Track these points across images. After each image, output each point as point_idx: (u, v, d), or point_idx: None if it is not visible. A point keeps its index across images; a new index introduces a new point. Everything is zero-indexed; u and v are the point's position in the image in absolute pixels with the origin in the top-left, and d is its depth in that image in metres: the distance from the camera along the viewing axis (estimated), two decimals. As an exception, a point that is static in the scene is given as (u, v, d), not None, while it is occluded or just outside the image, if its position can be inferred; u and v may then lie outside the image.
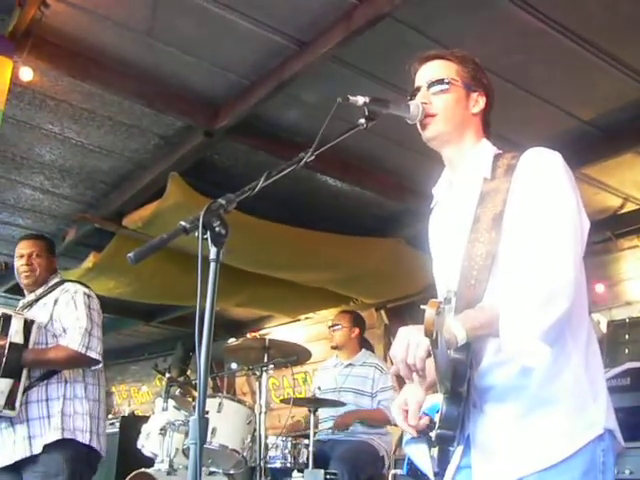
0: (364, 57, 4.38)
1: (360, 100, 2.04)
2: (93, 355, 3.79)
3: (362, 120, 2.04)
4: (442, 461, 1.98)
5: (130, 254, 1.84)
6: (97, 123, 5.30)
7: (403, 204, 6.12)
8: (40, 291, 4.04)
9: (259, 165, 5.54)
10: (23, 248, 4.09)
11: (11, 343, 3.59)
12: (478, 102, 2.18)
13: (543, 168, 1.99)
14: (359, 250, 6.75)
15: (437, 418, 1.91)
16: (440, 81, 2.13)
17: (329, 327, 5.92)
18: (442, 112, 2.12)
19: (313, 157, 2.04)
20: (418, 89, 2.17)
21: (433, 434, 1.92)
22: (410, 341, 1.78)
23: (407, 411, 2.03)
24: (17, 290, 4.38)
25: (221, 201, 1.92)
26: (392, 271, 6.97)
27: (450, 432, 1.90)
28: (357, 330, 5.83)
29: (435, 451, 2.01)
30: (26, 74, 4.35)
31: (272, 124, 5.19)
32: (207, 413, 1.80)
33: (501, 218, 1.96)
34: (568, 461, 1.85)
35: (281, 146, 5.26)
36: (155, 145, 5.57)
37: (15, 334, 3.62)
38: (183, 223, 1.86)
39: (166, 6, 4.12)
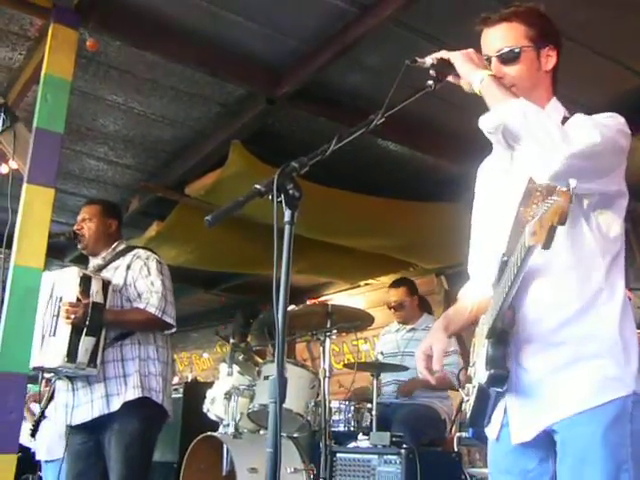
0: (428, 20, 4.33)
1: (428, 61, 2.03)
2: (168, 320, 3.88)
3: (430, 82, 2.03)
4: (478, 413, 2.09)
5: (207, 217, 1.86)
6: (159, 93, 5.35)
7: (463, 168, 6.04)
8: (107, 256, 4.12)
9: (320, 132, 5.54)
10: (79, 215, 4.22)
11: (93, 302, 3.67)
12: (550, 57, 2.14)
13: (602, 115, 2.01)
14: (419, 215, 6.72)
15: (483, 362, 1.99)
16: (510, 51, 2.08)
17: (390, 307, 5.90)
18: (517, 83, 2.08)
19: (383, 119, 2.02)
20: (488, 58, 2.12)
21: (485, 375, 1.97)
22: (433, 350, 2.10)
23: (430, 357, 2.14)
24: (82, 260, 4.47)
25: (294, 164, 1.92)
26: (451, 236, 6.85)
27: (502, 371, 1.95)
28: (417, 298, 5.85)
29: (469, 404, 2.11)
30: (91, 45, 4.41)
31: (334, 90, 5.17)
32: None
33: None
34: (597, 409, 1.91)
35: (343, 112, 5.24)
36: (217, 113, 5.60)
37: (96, 294, 3.70)
38: (258, 186, 1.88)
39: (228, -27, 4.13)
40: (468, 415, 2.13)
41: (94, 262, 4.17)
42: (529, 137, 1.87)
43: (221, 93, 5.32)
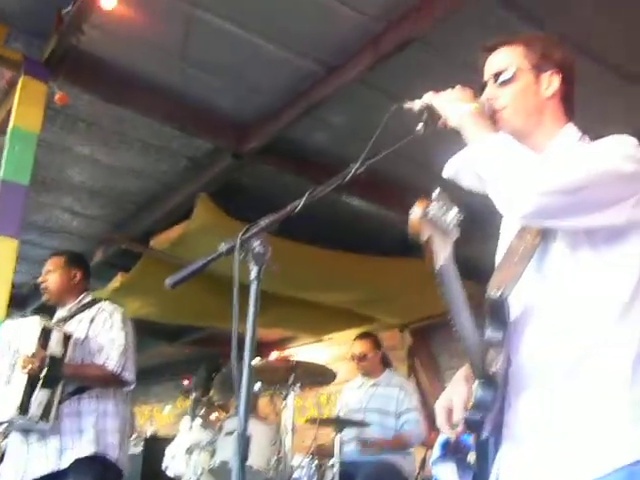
0: (392, 80, 4.43)
1: (417, 104, 1.92)
2: (127, 377, 3.82)
3: (419, 126, 1.91)
4: (481, 464, 1.87)
5: (168, 280, 1.84)
6: (127, 145, 5.40)
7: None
8: (73, 308, 4.07)
9: (286, 186, 5.59)
10: (44, 266, 4.18)
11: (52, 355, 3.61)
12: (551, 83, 1.98)
13: (608, 138, 1.81)
14: (383, 270, 6.77)
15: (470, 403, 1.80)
16: (504, 71, 1.98)
17: (354, 358, 5.89)
18: (510, 104, 1.96)
19: (363, 169, 1.91)
20: (485, 83, 2.02)
21: (463, 417, 1.83)
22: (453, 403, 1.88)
23: (451, 410, 1.92)
24: (44, 310, 4.45)
25: (261, 222, 1.89)
26: (415, 291, 6.97)
27: (477, 416, 1.77)
28: (380, 352, 5.85)
29: (473, 455, 1.90)
30: (60, 99, 4.44)
31: (300, 146, 5.27)
32: (232, 433, 1.82)
33: None
34: None
35: (308, 168, 5.33)
36: (184, 167, 5.66)
37: (55, 346, 3.65)
38: (222, 246, 1.84)
39: (198, 31, 4.21)
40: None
41: (60, 313, 4.12)
42: (499, 177, 1.75)
43: (189, 147, 5.39)
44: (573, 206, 1.70)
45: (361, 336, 6.04)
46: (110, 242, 6.87)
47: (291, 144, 5.22)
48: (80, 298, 4.12)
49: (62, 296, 4.11)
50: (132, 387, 3.94)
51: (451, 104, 1.90)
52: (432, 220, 1.52)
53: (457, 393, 1.93)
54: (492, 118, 1.96)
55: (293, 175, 5.47)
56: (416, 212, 1.51)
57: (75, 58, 4.31)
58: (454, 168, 1.91)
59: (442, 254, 1.59)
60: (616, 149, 1.76)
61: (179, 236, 5.87)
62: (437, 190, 1.59)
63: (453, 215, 1.60)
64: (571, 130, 1.99)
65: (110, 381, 3.83)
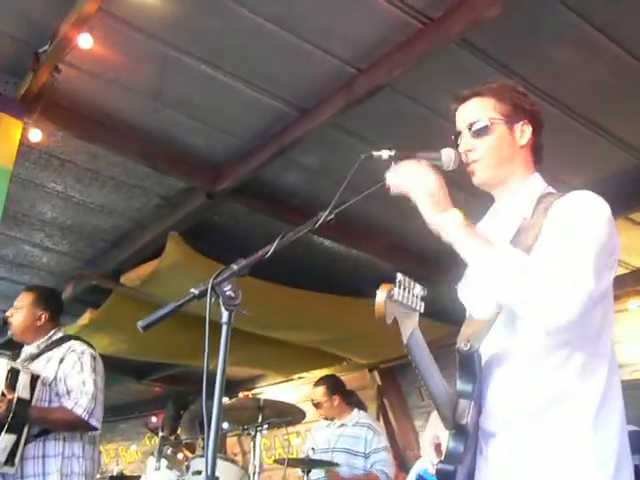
0: (363, 125, 4.53)
1: (385, 154, 1.96)
2: (94, 423, 3.74)
3: (388, 174, 1.95)
4: None
5: (139, 323, 1.84)
6: (100, 183, 5.42)
7: (397, 266, 6.21)
8: (42, 344, 4.00)
9: (258, 226, 5.64)
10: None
11: (18, 398, 3.52)
12: (524, 132, 2.07)
13: (578, 205, 1.89)
14: (353, 311, 6.79)
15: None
16: (479, 123, 2.04)
17: (313, 404, 5.89)
18: (486, 155, 2.04)
19: (332, 216, 1.95)
20: (459, 132, 2.09)
21: (434, 468, 1.87)
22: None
23: (439, 445, 1.97)
24: (13, 343, 4.39)
25: (233, 266, 1.89)
26: (385, 332, 6.95)
27: (450, 467, 1.82)
28: (337, 397, 5.77)
29: None
30: (35, 135, 4.48)
31: (272, 187, 5.31)
32: (199, 473, 1.81)
33: (530, 251, 1.87)
34: None
35: (280, 208, 5.37)
36: (156, 205, 5.68)
37: (22, 389, 3.55)
38: (193, 290, 1.85)
39: (173, 72, 4.27)
40: None
41: (28, 349, 4.04)
42: (525, 291, 1.74)
43: (161, 186, 5.42)
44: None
45: (316, 383, 6.01)
46: (80, 278, 6.84)
47: (263, 184, 5.27)
48: (50, 334, 4.05)
49: (26, 335, 4.05)
50: (98, 432, 3.86)
51: (431, 211, 1.87)
52: (397, 302, 1.58)
53: (442, 428, 1.94)
54: (469, 169, 2.05)
55: (265, 215, 5.50)
56: (380, 296, 1.56)
57: (50, 95, 4.34)
58: (440, 229, 1.88)
59: (408, 331, 1.65)
60: (591, 221, 1.83)
61: (150, 273, 5.87)
62: (399, 275, 1.62)
63: (418, 291, 1.65)
64: (536, 182, 2.07)
65: (76, 426, 3.75)
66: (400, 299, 1.59)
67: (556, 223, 1.87)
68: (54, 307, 4.19)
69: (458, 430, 1.85)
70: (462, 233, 1.83)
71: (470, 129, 2.06)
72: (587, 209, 1.88)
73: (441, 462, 1.84)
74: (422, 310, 1.67)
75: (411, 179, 1.91)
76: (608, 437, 1.81)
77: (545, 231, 1.88)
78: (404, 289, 1.61)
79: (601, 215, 1.86)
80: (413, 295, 1.64)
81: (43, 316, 4.07)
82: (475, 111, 2.08)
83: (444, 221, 1.85)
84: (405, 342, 1.68)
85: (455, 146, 2.08)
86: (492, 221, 2.13)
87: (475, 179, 2.07)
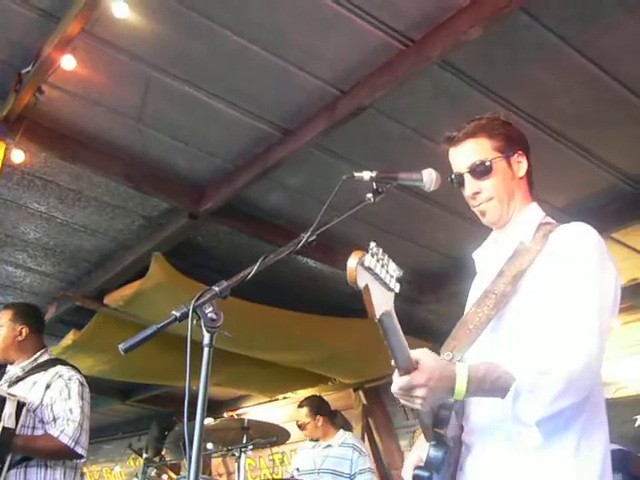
0: (346, 145, 4.55)
1: (366, 175, 1.98)
2: (80, 451, 3.67)
3: (369, 195, 1.98)
4: None
5: (121, 345, 1.84)
6: (83, 203, 5.41)
7: (382, 285, 6.19)
8: (27, 366, 3.91)
9: (241, 246, 5.64)
10: None
11: (4, 427, 3.44)
12: (521, 163, 2.12)
13: (577, 245, 1.91)
14: (337, 330, 6.80)
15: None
16: (481, 164, 2.06)
17: (297, 425, 5.87)
18: (495, 195, 2.07)
19: (315, 237, 1.96)
20: (460, 175, 2.11)
21: (410, 474, 1.88)
22: None
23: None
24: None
25: (215, 288, 1.89)
26: (370, 351, 6.95)
27: (425, 473, 1.83)
28: (321, 418, 5.76)
29: None
30: (17, 156, 4.47)
31: (255, 207, 5.32)
32: None
33: (522, 275, 1.91)
34: None
35: (263, 228, 5.36)
36: (140, 226, 5.67)
37: (8, 418, 3.47)
38: (175, 312, 1.85)
39: (156, 93, 4.27)
40: None
41: (13, 370, 3.95)
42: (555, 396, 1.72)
43: (144, 206, 5.41)
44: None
45: (300, 404, 5.99)
46: (64, 299, 6.80)
47: (246, 205, 5.28)
48: (36, 356, 3.97)
49: (8, 354, 3.96)
50: (83, 460, 3.80)
51: (440, 395, 1.75)
52: (368, 269, 1.55)
53: (424, 450, 1.93)
54: (478, 209, 2.09)
55: (248, 235, 5.50)
56: (352, 262, 1.54)
57: (33, 116, 4.34)
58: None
59: (382, 306, 1.61)
60: (596, 273, 1.85)
61: (133, 294, 5.85)
62: (373, 243, 1.61)
63: (392, 269, 1.63)
64: (535, 211, 2.12)
65: (61, 455, 3.68)
66: (372, 267, 1.56)
67: (560, 272, 1.88)
68: (33, 320, 4.10)
69: (438, 441, 1.86)
70: (480, 390, 1.76)
71: (471, 172, 2.08)
72: (587, 254, 1.89)
73: (418, 467, 1.85)
74: (397, 290, 1.63)
75: (432, 397, 1.74)
76: (592, 459, 1.81)
77: (549, 279, 1.88)
78: (377, 261, 1.59)
79: (597, 257, 1.89)
80: (387, 272, 1.61)
81: (23, 330, 3.98)
82: (473, 153, 2.09)
83: (460, 396, 1.75)
84: (377, 316, 1.60)
85: (453, 187, 2.12)
86: (491, 246, 2.18)
87: (486, 219, 2.12)
